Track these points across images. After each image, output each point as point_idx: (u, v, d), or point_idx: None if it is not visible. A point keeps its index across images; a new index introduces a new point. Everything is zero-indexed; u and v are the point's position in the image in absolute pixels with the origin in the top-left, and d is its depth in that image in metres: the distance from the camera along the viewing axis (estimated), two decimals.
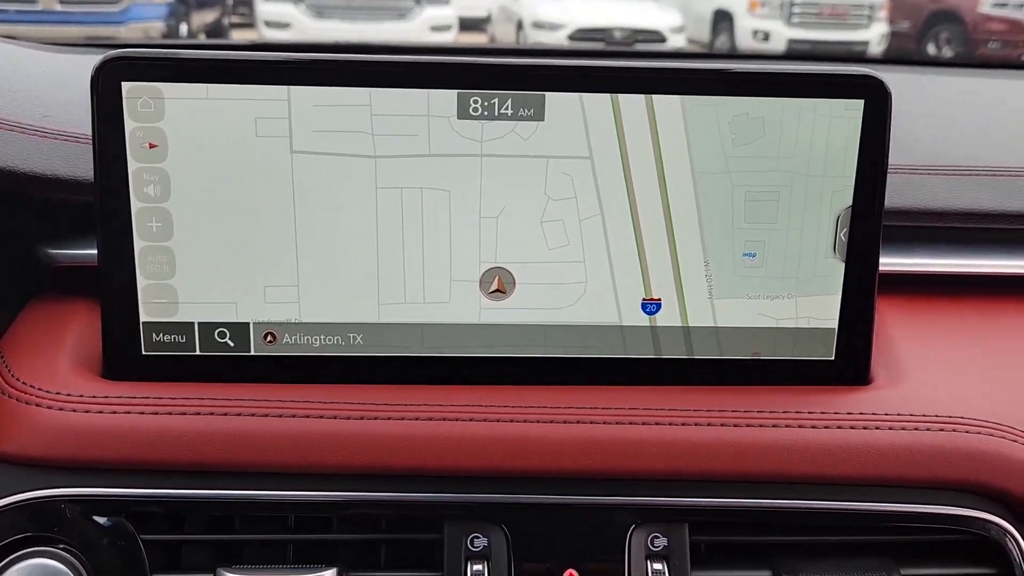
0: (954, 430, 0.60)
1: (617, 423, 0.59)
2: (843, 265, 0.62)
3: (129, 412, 0.57)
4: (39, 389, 0.58)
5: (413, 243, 0.60)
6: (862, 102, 0.60)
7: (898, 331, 0.68)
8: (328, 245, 0.60)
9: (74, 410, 0.57)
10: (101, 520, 0.56)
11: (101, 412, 0.57)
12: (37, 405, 0.57)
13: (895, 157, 0.74)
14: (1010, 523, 0.59)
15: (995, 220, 0.74)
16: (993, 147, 0.80)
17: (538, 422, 0.58)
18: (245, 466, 0.57)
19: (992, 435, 0.60)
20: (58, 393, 0.58)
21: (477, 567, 0.57)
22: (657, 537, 0.58)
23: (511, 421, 0.58)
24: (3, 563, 0.55)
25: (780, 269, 0.62)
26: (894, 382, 0.63)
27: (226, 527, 0.58)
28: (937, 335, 0.69)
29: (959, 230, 0.75)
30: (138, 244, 0.59)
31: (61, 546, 0.56)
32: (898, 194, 0.72)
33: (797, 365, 0.64)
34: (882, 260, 0.70)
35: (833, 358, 0.64)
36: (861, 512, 0.59)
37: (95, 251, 0.60)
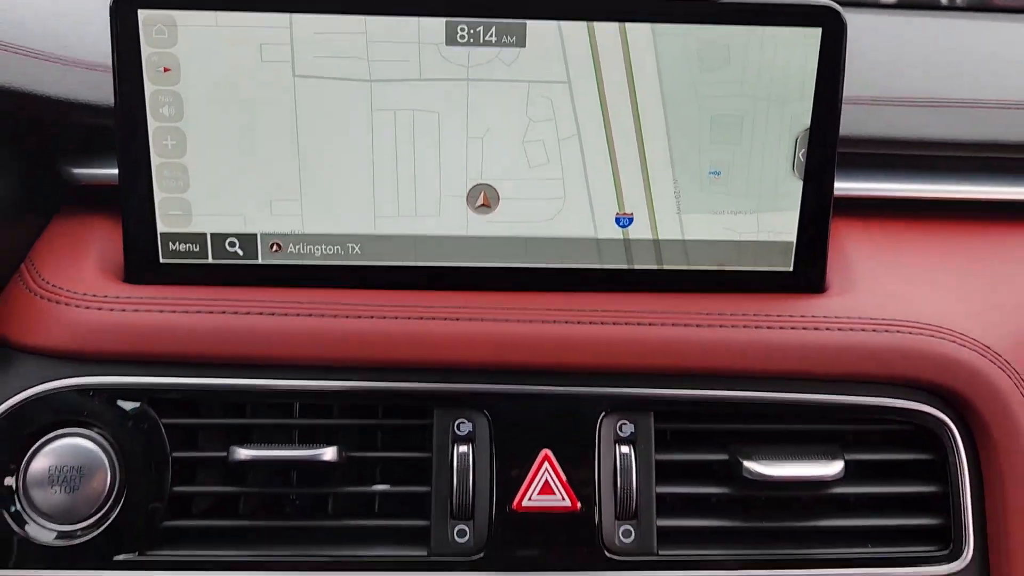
0: (898, 331, 0.66)
1: (591, 323, 0.65)
2: (801, 183, 0.68)
3: (149, 311, 0.63)
4: (67, 291, 0.64)
5: (406, 161, 0.66)
6: (819, 30, 0.65)
7: (854, 247, 0.74)
8: (328, 162, 0.66)
9: (99, 309, 0.63)
10: (126, 406, 0.63)
11: (124, 311, 0.63)
12: (66, 304, 0.63)
13: (865, 89, 0.79)
14: (946, 415, 0.66)
15: (950, 148, 0.79)
16: (976, 84, 0.85)
17: (519, 321, 0.64)
18: (254, 359, 0.63)
19: (933, 337, 0.66)
20: (84, 294, 0.64)
21: (463, 449, 0.63)
22: (625, 424, 0.64)
23: (494, 320, 0.64)
24: (39, 443, 0.62)
25: (743, 187, 0.68)
26: (847, 290, 0.69)
27: (238, 413, 0.64)
28: (890, 251, 0.75)
29: (918, 158, 0.80)
30: (155, 160, 0.65)
31: (92, 429, 0.62)
32: (861, 123, 0.78)
33: (758, 275, 0.69)
34: (843, 184, 0.76)
35: (791, 269, 0.69)
36: (812, 404, 0.65)
37: (115, 170, 0.66)
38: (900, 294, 0.69)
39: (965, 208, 0.80)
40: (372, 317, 0.64)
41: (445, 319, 0.64)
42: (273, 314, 0.64)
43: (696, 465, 0.65)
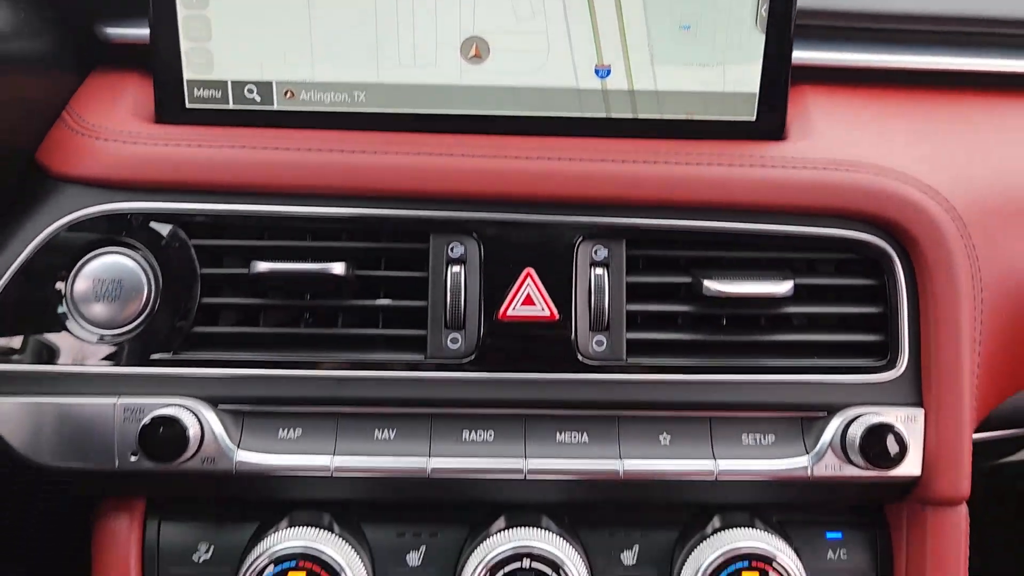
0: (847, 171, 0.73)
1: (570, 160, 0.72)
2: (763, 37, 0.74)
3: (178, 145, 0.71)
4: (105, 128, 0.72)
5: (405, 14, 0.73)
6: None
7: (815, 104, 0.81)
8: (336, 15, 0.73)
9: (134, 143, 0.71)
10: (159, 229, 0.71)
11: (156, 145, 0.71)
12: (104, 140, 0.71)
13: None
14: (889, 245, 0.73)
15: (913, 22, 0.86)
16: None
17: (506, 157, 0.72)
18: (270, 187, 0.71)
19: (880, 175, 0.73)
20: (120, 131, 0.72)
21: (455, 269, 0.71)
22: (600, 249, 0.72)
23: (483, 156, 0.72)
24: (83, 260, 0.70)
25: (711, 41, 0.75)
26: (805, 138, 0.76)
27: (258, 237, 0.72)
28: (849, 109, 0.82)
29: (882, 31, 0.87)
30: (181, 12, 0.72)
31: (131, 249, 0.71)
32: None
33: (724, 125, 0.76)
34: (810, 54, 0.83)
35: (754, 118, 0.77)
36: (768, 233, 0.73)
37: (145, 31, 0.73)
38: (854, 141, 0.77)
39: (927, 79, 0.86)
40: (375, 152, 0.72)
41: (441, 155, 0.72)
42: (288, 149, 0.71)
43: (663, 287, 0.73)
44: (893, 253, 0.73)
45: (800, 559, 0.72)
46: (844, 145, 0.76)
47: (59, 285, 0.70)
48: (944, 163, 0.78)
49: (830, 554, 0.75)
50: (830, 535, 0.75)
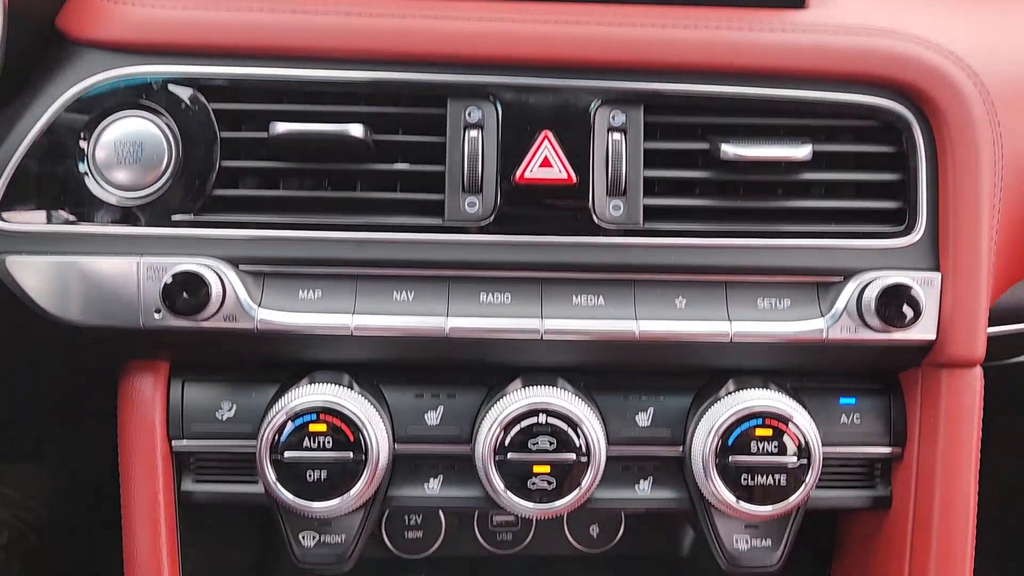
0: (867, 36, 0.73)
1: (587, 24, 0.72)
2: None
3: (197, 8, 0.71)
4: None
5: None
6: None
7: None
8: None
9: (152, 7, 0.71)
10: (179, 92, 0.71)
11: (174, 8, 0.71)
12: (123, 4, 0.71)
13: None
14: (910, 111, 0.73)
15: None
16: None
17: (523, 21, 0.72)
18: (290, 50, 0.71)
19: (901, 40, 0.73)
20: None
21: (473, 133, 0.71)
22: (617, 114, 0.72)
23: (500, 20, 0.72)
24: (106, 123, 0.71)
25: None
26: (826, 6, 0.75)
27: (276, 101, 0.72)
28: None
29: None
30: None
31: (151, 113, 0.71)
32: None
33: None
34: None
35: None
36: (787, 99, 0.72)
37: None
38: (876, 11, 0.76)
39: None
40: (392, 16, 0.71)
41: (458, 18, 0.72)
42: (305, 12, 0.71)
43: (680, 153, 0.73)
44: (912, 118, 0.73)
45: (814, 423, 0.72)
46: (865, 13, 0.75)
47: (82, 146, 0.70)
48: (970, 35, 0.77)
49: (843, 418, 0.76)
50: (843, 400, 0.76)
